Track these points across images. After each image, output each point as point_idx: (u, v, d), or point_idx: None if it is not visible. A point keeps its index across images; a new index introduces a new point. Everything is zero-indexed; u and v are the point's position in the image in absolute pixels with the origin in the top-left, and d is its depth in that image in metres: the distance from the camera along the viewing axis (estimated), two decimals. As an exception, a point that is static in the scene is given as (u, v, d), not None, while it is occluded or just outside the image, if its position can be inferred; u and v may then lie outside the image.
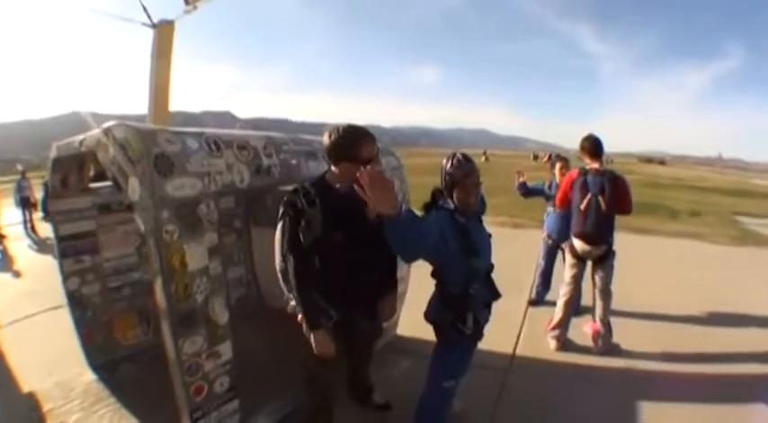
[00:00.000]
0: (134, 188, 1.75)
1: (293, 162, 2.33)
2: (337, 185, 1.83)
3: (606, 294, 3.41)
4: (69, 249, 2.98)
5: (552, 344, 3.52)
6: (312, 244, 1.79)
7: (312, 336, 1.85)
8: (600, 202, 3.22)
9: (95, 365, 3.02)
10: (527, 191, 4.46)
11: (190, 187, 1.77)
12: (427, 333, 2.11)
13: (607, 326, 3.42)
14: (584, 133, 3.47)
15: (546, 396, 2.82)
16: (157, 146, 1.76)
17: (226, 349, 1.98)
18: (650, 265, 6.03)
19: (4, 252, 7.55)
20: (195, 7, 4.88)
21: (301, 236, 1.79)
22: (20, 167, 10.45)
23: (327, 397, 2.16)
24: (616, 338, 3.48)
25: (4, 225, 8.77)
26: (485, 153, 46.12)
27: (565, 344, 3.51)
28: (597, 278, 3.43)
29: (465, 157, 1.91)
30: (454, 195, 1.89)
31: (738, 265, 6.35)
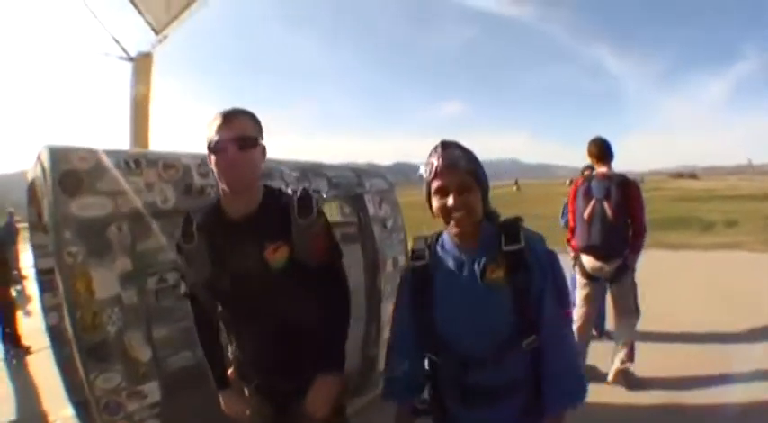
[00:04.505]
0: (45, 209, 1.61)
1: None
2: (227, 209, 1.30)
3: (625, 318, 2.97)
4: (48, 283, 2.83)
5: None
6: (200, 288, 1.34)
7: (220, 396, 1.44)
8: (605, 208, 2.84)
9: (75, 402, 2.76)
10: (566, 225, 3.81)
11: (98, 207, 1.61)
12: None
13: (629, 355, 2.93)
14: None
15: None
16: (66, 163, 1.62)
17: (152, 389, 1.74)
18: (688, 281, 5.56)
19: (23, 292, 7.82)
20: (165, 37, 4.99)
21: (183, 278, 1.41)
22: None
23: None
24: (654, 363, 3.07)
25: (24, 267, 8.99)
26: (516, 182, 47.62)
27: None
28: (615, 300, 3.01)
29: (444, 144, 1.14)
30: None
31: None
